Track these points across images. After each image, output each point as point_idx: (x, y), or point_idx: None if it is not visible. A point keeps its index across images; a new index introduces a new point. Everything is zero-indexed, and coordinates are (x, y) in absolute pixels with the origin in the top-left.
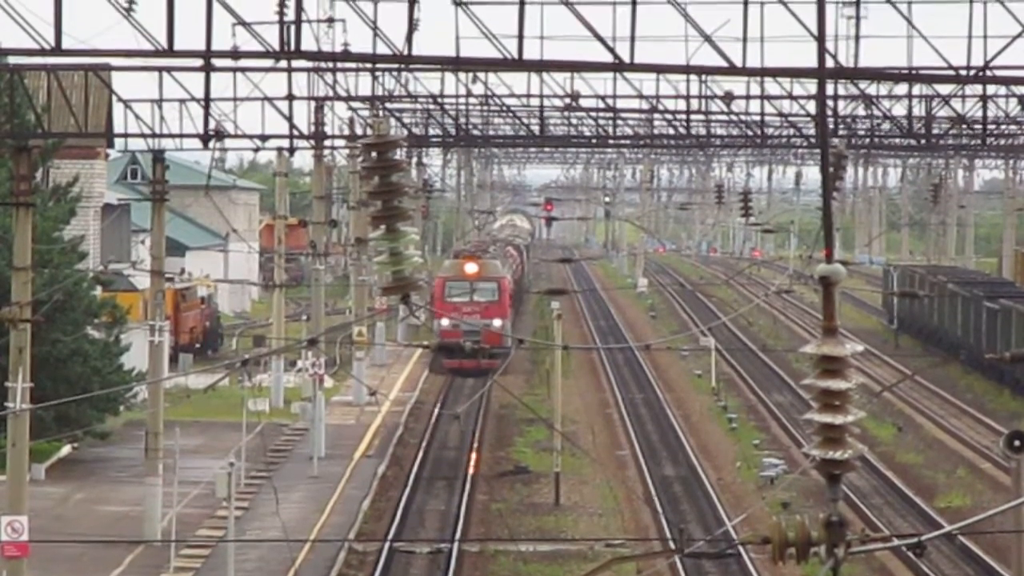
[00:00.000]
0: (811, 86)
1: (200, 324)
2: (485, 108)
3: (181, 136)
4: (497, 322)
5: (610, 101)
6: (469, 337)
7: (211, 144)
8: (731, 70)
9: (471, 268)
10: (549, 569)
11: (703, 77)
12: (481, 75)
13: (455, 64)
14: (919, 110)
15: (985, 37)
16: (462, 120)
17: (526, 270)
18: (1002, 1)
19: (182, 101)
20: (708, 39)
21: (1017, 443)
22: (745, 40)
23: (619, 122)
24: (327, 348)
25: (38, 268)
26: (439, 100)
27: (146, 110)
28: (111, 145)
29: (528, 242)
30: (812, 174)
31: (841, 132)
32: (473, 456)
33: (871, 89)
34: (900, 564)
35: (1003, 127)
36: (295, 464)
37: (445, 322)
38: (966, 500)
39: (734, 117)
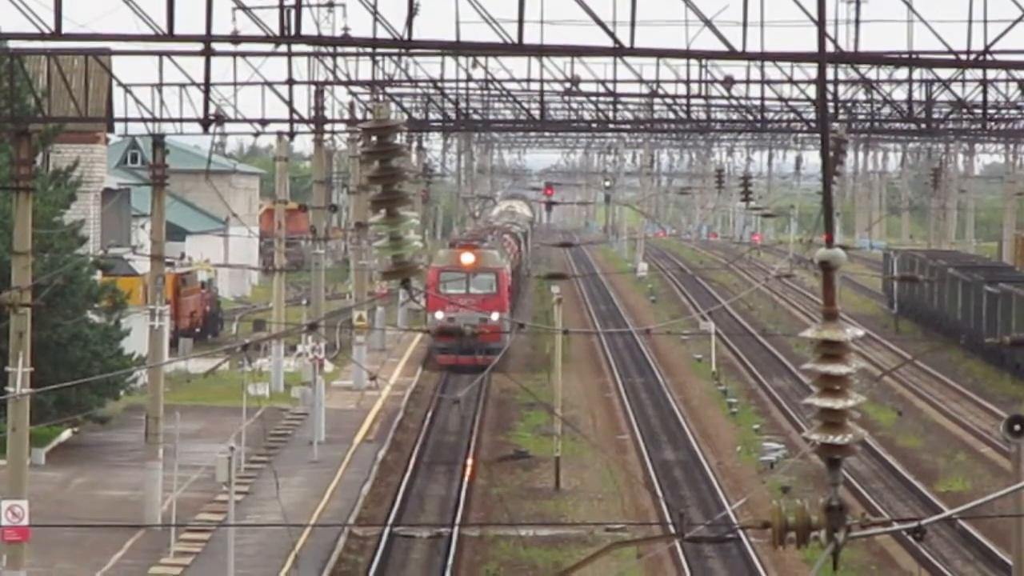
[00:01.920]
0: (811, 70)
1: (200, 309)
2: (485, 92)
3: (181, 120)
4: (495, 316)
5: (610, 86)
6: (466, 322)
7: (211, 128)
8: (731, 54)
9: (468, 258)
10: (549, 553)
11: (703, 61)
12: (481, 59)
13: (455, 48)
14: (919, 95)
15: (985, 21)
16: (462, 105)
17: (524, 259)
18: None
19: (182, 85)
20: (708, 23)
21: (1017, 427)
22: (745, 24)
23: (619, 106)
24: (327, 333)
25: (38, 253)
26: (439, 84)
27: (146, 94)
28: (111, 130)
29: (526, 230)
30: (812, 158)
31: (841, 116)
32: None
33: (871, 73)
34: (900, 548)
35: (1003, 112)
36: (295, 449)
37: (440, 316)
38: (966, 484)
39: (734, 101)
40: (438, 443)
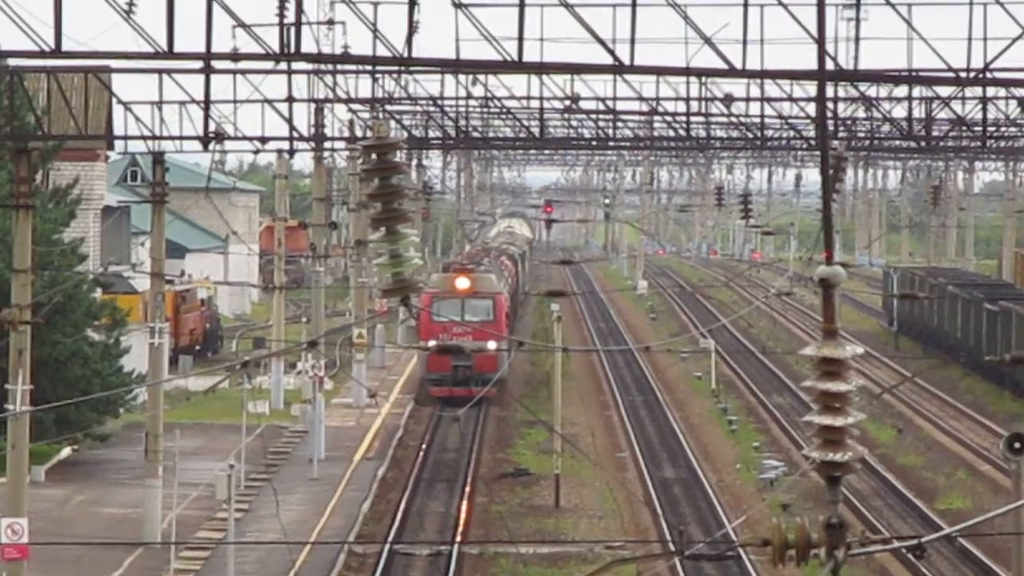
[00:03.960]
0: (811, 88)
1: (200, 326)
2: (485, 110)
3: (181, 138)
4: (491, 345)
5: (610, 103)
6: (460, 350)
7: (211, 146)
8: (731, 72)
9: (463, 283)
10: (549, 571)
11: (703, 79)
12: (481, 77)
13: (455, 66)
14: (919, 112)
15: (985, 39)
16: (462, 122)
17: (521, 283)
18: (1002, 3)
19: (182, 103)
20: (708, 41)
21: (1017, 445)
22: (745, 42)
23: (619, 124)
24: (327, 350)
25: (38, 270)
26: (439, 102)
27: (146, 112)
28: (111, 147)
29: (524, 251)
30: (812, 176)
31: (841, 134)
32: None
33: (871, 91)
34: (900, 566)
35: (1003, 129)
36: (295, 466)
37: (433, 345)
38: (966, 502)
39: (734, 119)
40: (438, 460)
